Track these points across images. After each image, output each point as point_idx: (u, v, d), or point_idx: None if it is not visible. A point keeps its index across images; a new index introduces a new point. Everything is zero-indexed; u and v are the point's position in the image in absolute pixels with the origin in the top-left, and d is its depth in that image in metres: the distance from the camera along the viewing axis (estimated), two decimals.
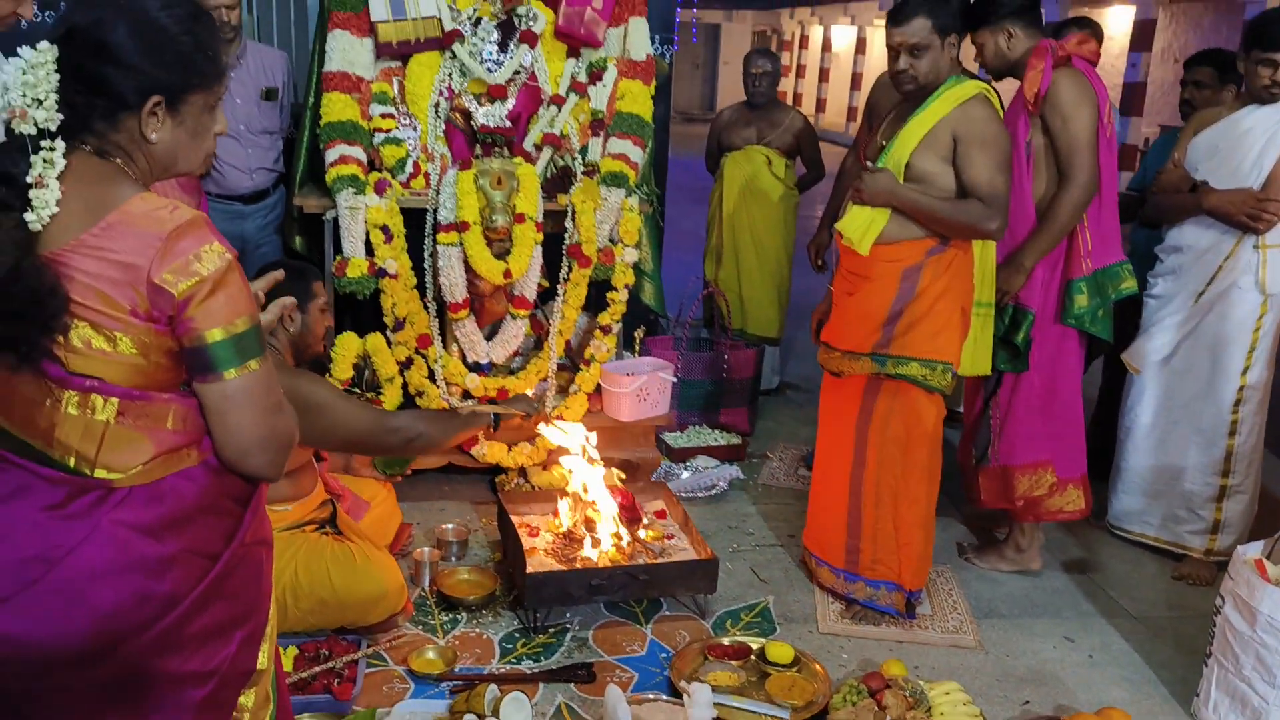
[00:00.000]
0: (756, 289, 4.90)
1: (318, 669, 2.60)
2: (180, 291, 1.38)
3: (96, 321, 1.37)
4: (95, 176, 1.41)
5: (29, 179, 1.35)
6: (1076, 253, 3.19)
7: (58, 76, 1.37)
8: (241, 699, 1.56)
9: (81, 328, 1.37)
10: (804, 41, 24.19)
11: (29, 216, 1.35)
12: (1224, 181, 3.27)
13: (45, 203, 1.35)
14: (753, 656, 2.87)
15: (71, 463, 1.41)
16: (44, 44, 1.37)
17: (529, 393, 3.70)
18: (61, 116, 1.38)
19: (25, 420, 1.41)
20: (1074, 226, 3.15)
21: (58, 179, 1.37)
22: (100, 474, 1.42)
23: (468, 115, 3.72)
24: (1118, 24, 12.36)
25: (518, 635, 2.96)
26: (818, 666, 2.81)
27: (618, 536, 3.12)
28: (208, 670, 1.50)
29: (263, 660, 1.59)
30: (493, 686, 2.57)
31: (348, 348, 3.55)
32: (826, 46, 22.78)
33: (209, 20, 1.50)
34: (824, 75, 23.01)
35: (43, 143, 1.37)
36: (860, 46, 20.85)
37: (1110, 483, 3.70)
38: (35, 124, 1.36)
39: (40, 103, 1.36)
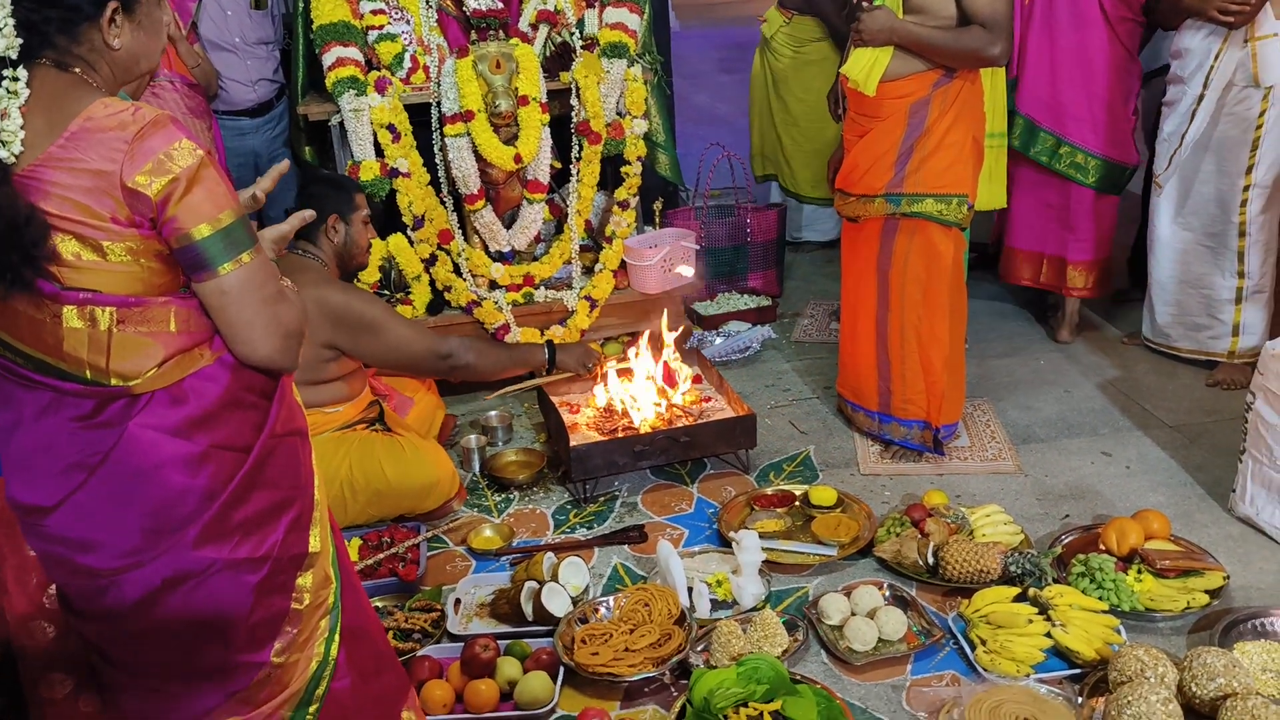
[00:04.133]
0: (803, 151, 4.83)
1: (382, 555, 2.73)
2: (155, 192, 1.38)
3: (80, 234, 1.38)
4: (55, 89, 1.40)
5: None
6: None
7: (11, 2, 1.35)
8: (299, 580, 1.63)
9: (68, 241, 1.38)
10: None
11: (0, 153, 1.35)
12: None
13: (12, 134, 1.35)
14: (797, 503, 2.96)
15: (87, 374, 1.44)
16: None
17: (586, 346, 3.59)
18: (21, 41, 1.36)
19: (34, 339, 1.43)
20: None
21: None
22: (116, 382, 1.45)
23: (459, 1, 3.67)
24: None
25: (569, 507, 3.07)
26: (861, 505, 2.90)
27: (659, 400, 3.19)
28: (259, 556, 1.57)
29: (314, 543, 1.65)
30: (550, 554, 2.69)
31: (371, 250, 3.59)
32: None
33: None
34: None
35: (4, 72, 1.35)
36: None
37: (1145, 298, 3.71)
38: None
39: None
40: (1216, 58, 3.24)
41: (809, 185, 4.83)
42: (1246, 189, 3.32)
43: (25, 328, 1.43)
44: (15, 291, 1.38)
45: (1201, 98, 3.30)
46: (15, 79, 1.36)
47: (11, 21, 1.35)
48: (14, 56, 1.36)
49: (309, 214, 1.82)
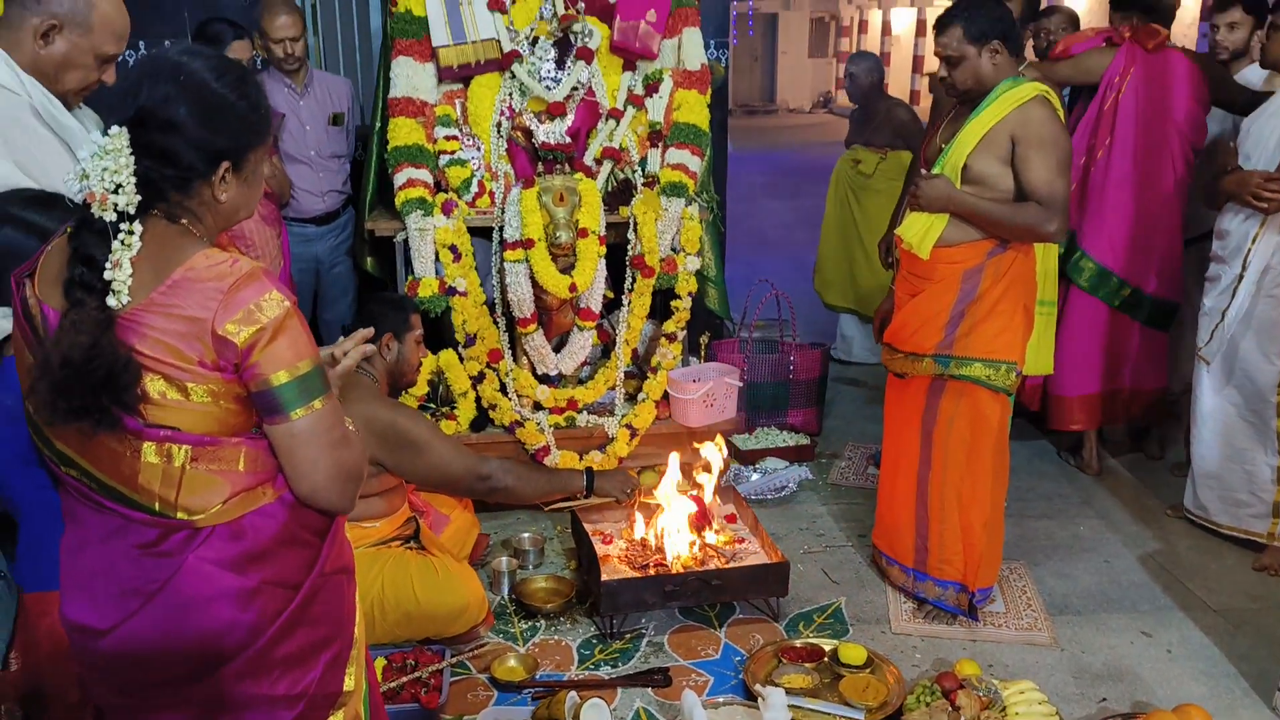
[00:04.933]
0: (865, 275, 5.31)
1: (405, 679, 2.71)
2: (243, 340, 1.45)
3: (169, 374, 1.45)
4: (163, 239, 1.49)
5: (108, 263, 1.42)
6: None
7: (134, 159, 1.44)
8: (331, 718, 1.65)
9: (156, 380, 1.45)
10: (863, 26, 23.91)
11: (110, 301, 1.42)
12: (1257, 164, 3.31)
13: (123, 284, 1.43)
14: (826, 658, 2.91)
15: (156, 506, 1.50)
16: (115, 128, 1.43)
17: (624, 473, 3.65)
18: (140, 198, 1.44)
19: (112, 469, 1.50)
20: None
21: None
22: (182, 516, 1.51)
23: (529, 133, 3.81)
24: None
25: (595, 641, 3.04)
26: (891, 667, 2.85)
27: (693, 541, 3.19)
28: (295, 693, 1.60)
29: (349, 682, 1.68)
30: (572, 693, 2.66)
31: (422, 365, 3.67)
32: (886, 30, 22.50)
33: (254, 79, 1.59)
34: (885, 60, 22.75)
35: (121, 225, 1.43)
36: (920, 29, 20.55)
37: (1189, 471, 3.69)
38: (115, 208, 1.42)
39: (120, 187, 1.42)
40: (1254, 240, 3.30)
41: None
42: None
43: (105, 458, 1.49)
44: (102, 430, 1.44)
45: (1241, 277, 3.35)
46: (130, 232, 1.44)
47: (133, 180, 1.43)
48: (131, 211, 1.44)
49: (368, 333, 1.87)
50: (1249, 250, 3.31)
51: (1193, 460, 3.64)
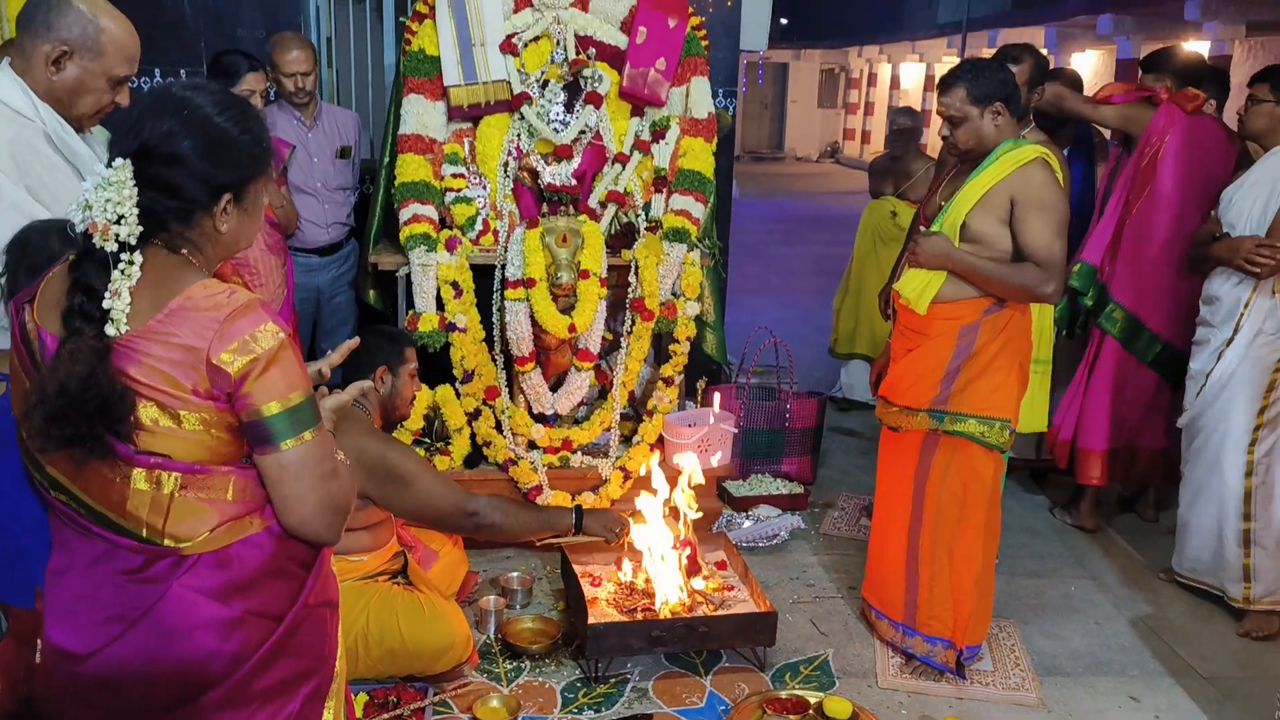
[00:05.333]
0: (878, 323, 5.24)
1: (386, 716, 2.70)
2: (237, 370, 1.47)
3: (162, 401, 1.47)
4: (163, 268, 1.51)
5: (108, 292, 1.44)
6: None
7: (137, 191, 1.46)
8: None
9: (149, 407, 1.46)
10: (872, 79, 24.20)
11: (109, 330, 1.44)
12: (1242, 230, 3.36)
13: (120, 313, 1.44)
14: (811, 710, 2.89)
15: (143, 533, 1.51)
16: (120, 160, 1.46)
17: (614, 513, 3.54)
18: (141, 228, 1.46)
19: (101, 494, 1.51)
20: None
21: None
22: (169, 543, 1.52)
23: (535, 174, 3.86)
24: None
25: (579, 684, 3.02)
26: None
27: (681, 588, 3.17)
28: None
29: (328, 716, 1.68)
30: None
31: (418, 399, 3.68)
32: (895, 84, 22.75)
33: (255, 112, 1.61)
34: None
35: (122, 255, 1.45)
36: (929, 84, 20.79)
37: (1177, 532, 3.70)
38: (116, 239, 1.44)
39: (123, 218, 1.44)
40: (1246, 305, 3.34)
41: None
42: (1257, 429, 3.35)
43: (95, 483, 1.50)
44: (95, 457, 1.45)
45: (1230, 341, 3.38)
46: (131, 262, 1.46)
47: (136, 212, 1.45)
48: (133, 241, 1.46)
49: (353, 344, 1.92)
50: (1241, 315, 3.34)
51: (1179, 520, 3.65)
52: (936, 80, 3.05)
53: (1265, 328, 3.32)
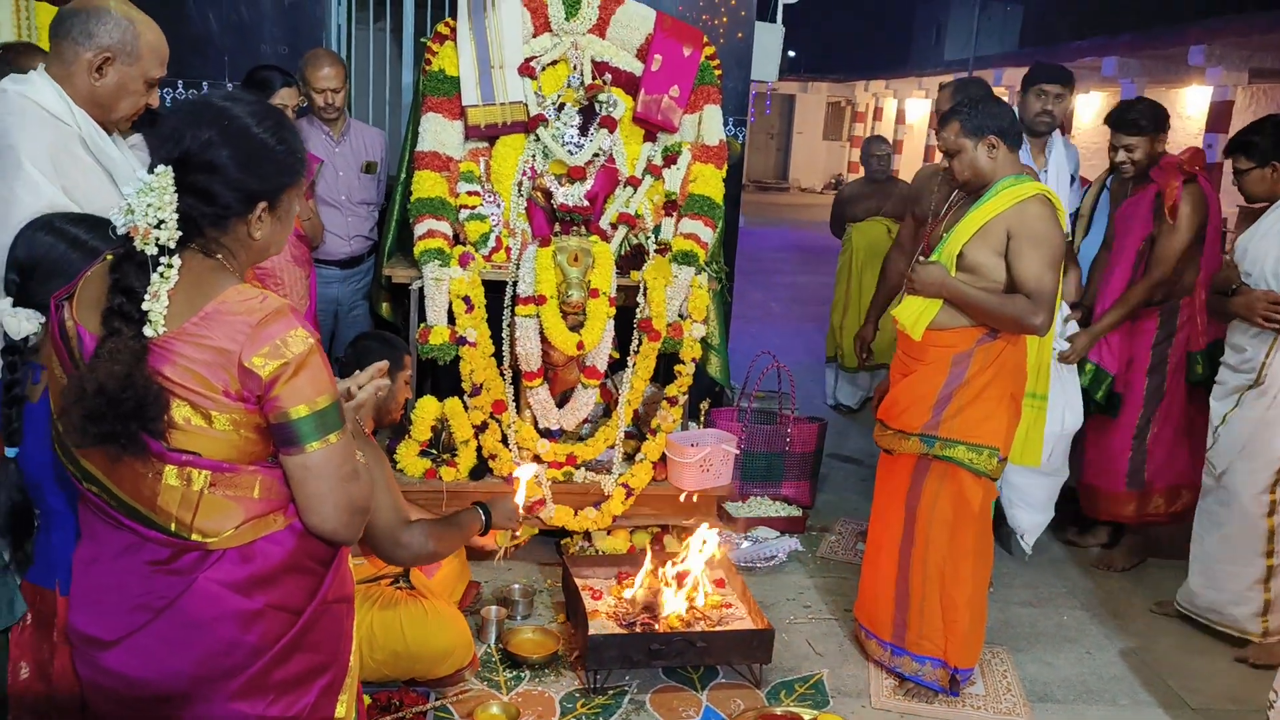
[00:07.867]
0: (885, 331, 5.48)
1: (388, 718, 2.73)
2: (267, 373, 1.53)
3: (194, 401, 1.52)
4: (199, 272, 1.57)
5: (147, 294, 1.50)
6: (1197, 330, 3.94)
7: (177, 197, 1.52)
8: None
9: (182, 406, 1.52)
10: (878, 113, 24.41)
11: (147, 331, 1.50)
12: (1257, 282, 3.42)
13: (159, 315, 1.50)
14: None
15: (172, 527, 1.57)
16: (161, 167, 1.52)
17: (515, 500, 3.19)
18: (181, 233, 1.53)
19: (133, 489, 1.56)
20: (1138, 310, 3.87)
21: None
22: (196, 537, 1.57)
23: (548, 194, 3.94)
24: (1195, 105, 12.31)
25: (578, 695, 3.07)
26: None
27: (690, 599, 3.22)
28: (289, 716, 1.65)
29: (341, 710, 1.73)
30: None
31: (426, 410, 3.75)
32: (900, 118, 22.95)
33: (291, 123, 1.68)
34: (898, 147, 23.15)
35: (161, 259, 1.52)
36: (933, 119, 20.95)
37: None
38: (156, 243, 1.51)
39: (163, 223, 1.50)
40: (1268, 355, 3.40)
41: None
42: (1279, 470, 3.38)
43: (127, 478, 1.56)
44: (129, 454, 1.51)
45: (1251, 387, 3.44)
46: (170, 265, 1.53)
47: (175, 217, 1.52)
48: (172, 245, 1.52)
49: (383, 365, 1.99)
50: (1264, 364, 3.41)
51: (1191, 555, 3.68)
52: (935, 114, 3.17)
53: None
